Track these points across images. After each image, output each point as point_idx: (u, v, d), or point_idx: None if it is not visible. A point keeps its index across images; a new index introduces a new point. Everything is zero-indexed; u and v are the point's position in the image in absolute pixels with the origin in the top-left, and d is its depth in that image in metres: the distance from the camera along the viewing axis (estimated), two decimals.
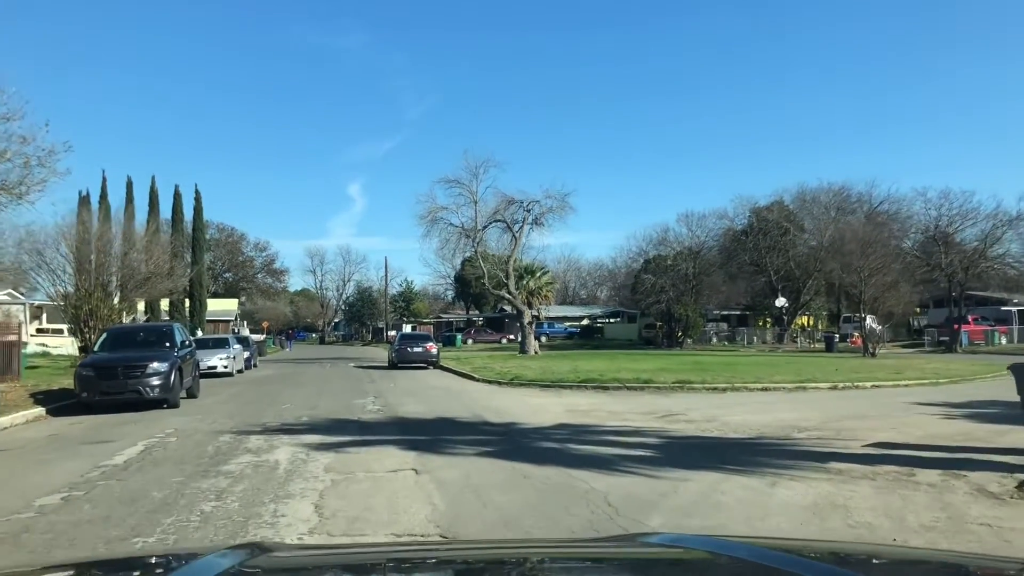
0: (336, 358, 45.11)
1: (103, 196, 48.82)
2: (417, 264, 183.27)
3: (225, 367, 26.76)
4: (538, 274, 74.79)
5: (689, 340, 54.74)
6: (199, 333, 50.27)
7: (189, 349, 18.12)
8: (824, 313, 65.97)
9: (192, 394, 18.43)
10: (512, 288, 39.68)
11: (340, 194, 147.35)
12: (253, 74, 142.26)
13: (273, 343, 70.21)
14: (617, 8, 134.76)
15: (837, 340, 48.47)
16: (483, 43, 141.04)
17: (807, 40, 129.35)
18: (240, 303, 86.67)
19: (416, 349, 30.83)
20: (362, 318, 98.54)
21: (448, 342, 59.58)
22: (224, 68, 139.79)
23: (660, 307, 52.75)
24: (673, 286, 52.52)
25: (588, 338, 69.92)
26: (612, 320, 74.09)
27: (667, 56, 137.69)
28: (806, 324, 62.31)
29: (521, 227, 39.90)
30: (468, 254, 48.18)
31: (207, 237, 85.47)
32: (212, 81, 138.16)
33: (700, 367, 26.83)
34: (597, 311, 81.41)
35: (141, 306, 52.07)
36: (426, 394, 19.25)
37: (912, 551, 3.65)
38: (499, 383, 22.30)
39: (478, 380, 23.62)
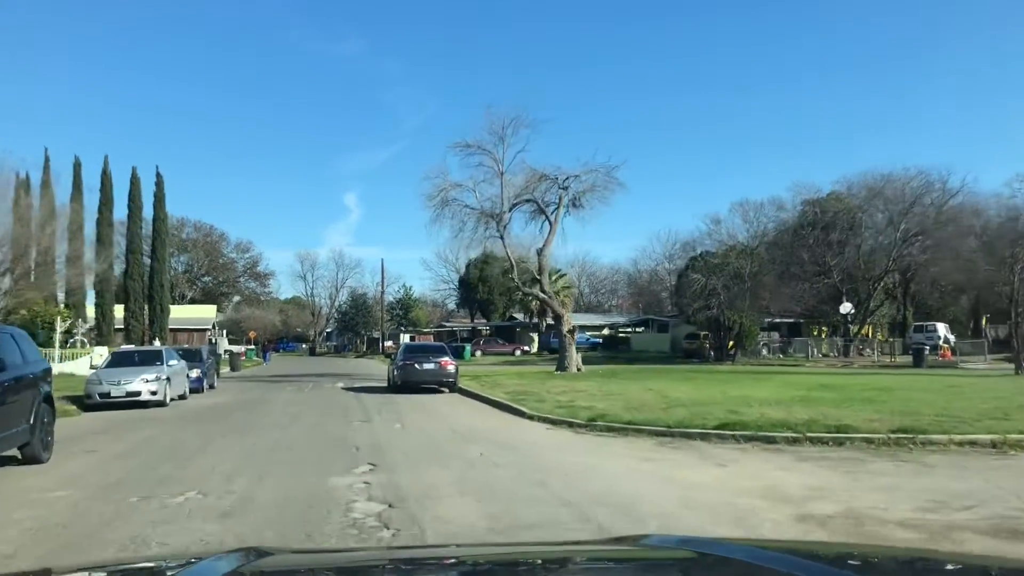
0: (322, 374, 36.60)
1: (45, 180, 40.50)
2: (417, 269, 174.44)
3: (153, 393, 18.23)
4: (553, 278, 66.70)
5: (740, 352, 46.42)
6: (156, 343, 41.68)
7: (22, 374, 9.61)
8: (885, 322, 57.79)
9: (32, 456, 9.94)
10: (547, 286, 31.11)
11: (336, 204, 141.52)
12: (247, 79, 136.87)
13: (256, 355, 61.54)
14: (618, 4, 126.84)
15: (927, 352, 40.15)
16: (483, 49, 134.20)
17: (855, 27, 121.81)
18: (220, 310, 78.01)
19: (427, 366, 22.36)
20: (356, 327, 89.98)
21: (455, 354, 50.94)
22: (218, 72, 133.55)
23: (710, 313, 44.22)
24: (725, 288, 44.09)
25: (612, 349, 61.52)
26: (638, 329, 65.61)
27: (688, 49, 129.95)
28: (868, 334, 53.97)
29: (556, 210, 31.23)
30: (483, 249, 39.48)
31: (183, 237, 76.81)
32: (204, 84, 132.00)
33: (839, 393, 18.47)
34: (620, 319, 72.95)
35: (91, 311, 43.55)
36: (463, 455, 10.62)
37: (913, 551, 3.23)
38: (571, 424, 13.79)
39: (533, 418, 15.08)
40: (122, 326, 44.27)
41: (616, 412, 14.43)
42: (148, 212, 44.87)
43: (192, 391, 22.18)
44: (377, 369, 42.52)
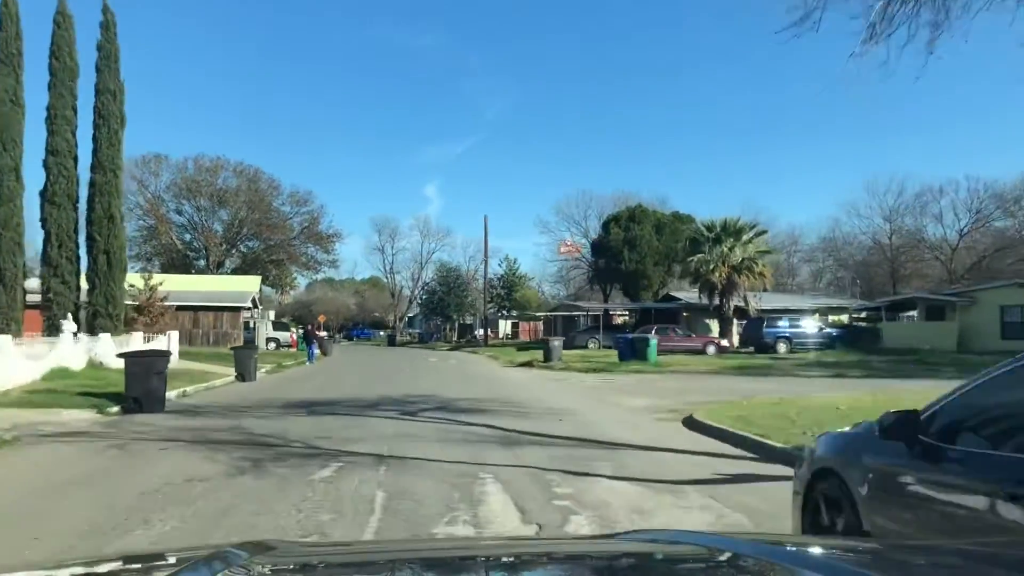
0: (401, 405, 15.57)
1: None
2: (527, 244, 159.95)
3: None
4: (745, 236, 43.73)
5: None
6: (67, 326, 21.47)
7: None
8: None
9: None
10: None
11: (415, 194, 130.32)
12: (323, 73, 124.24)
13: (304, 347, 41.09)
14: None
15: None
16: (563, 41, 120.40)
17: None
18: (269, 283, 58.42)
19: None
20: (446, 310, 69.49)
21: (632, 353, 29.33)
22: (299, 65, 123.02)
23: None
24: None
25: (855, 347, 38.54)
26: (892, 316, 42.47)
27: None
28: None
29: None
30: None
31: (218, 184, 57.17)
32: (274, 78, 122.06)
33: None
34: (835, 301, 49.77)
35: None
36: None
37: (909, 542, 3.18)
38: None
39: None
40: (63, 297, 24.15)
41: None
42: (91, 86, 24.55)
43: None
44: (515, 381, 21.18)
